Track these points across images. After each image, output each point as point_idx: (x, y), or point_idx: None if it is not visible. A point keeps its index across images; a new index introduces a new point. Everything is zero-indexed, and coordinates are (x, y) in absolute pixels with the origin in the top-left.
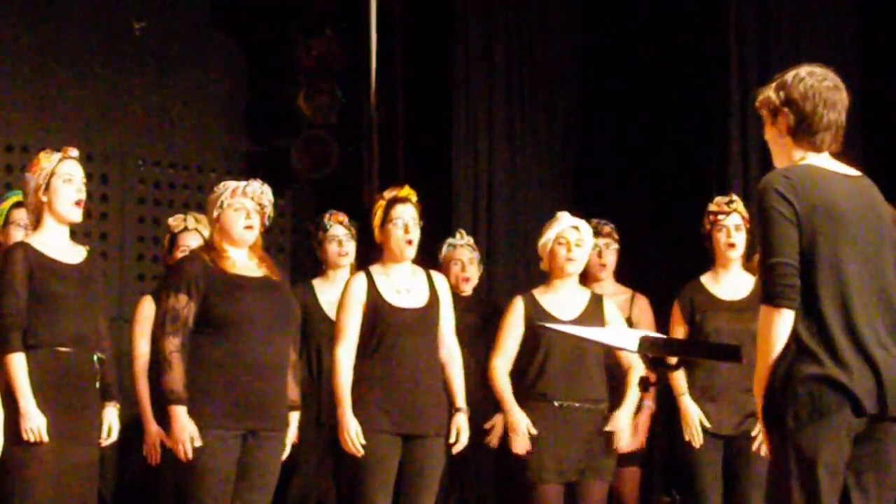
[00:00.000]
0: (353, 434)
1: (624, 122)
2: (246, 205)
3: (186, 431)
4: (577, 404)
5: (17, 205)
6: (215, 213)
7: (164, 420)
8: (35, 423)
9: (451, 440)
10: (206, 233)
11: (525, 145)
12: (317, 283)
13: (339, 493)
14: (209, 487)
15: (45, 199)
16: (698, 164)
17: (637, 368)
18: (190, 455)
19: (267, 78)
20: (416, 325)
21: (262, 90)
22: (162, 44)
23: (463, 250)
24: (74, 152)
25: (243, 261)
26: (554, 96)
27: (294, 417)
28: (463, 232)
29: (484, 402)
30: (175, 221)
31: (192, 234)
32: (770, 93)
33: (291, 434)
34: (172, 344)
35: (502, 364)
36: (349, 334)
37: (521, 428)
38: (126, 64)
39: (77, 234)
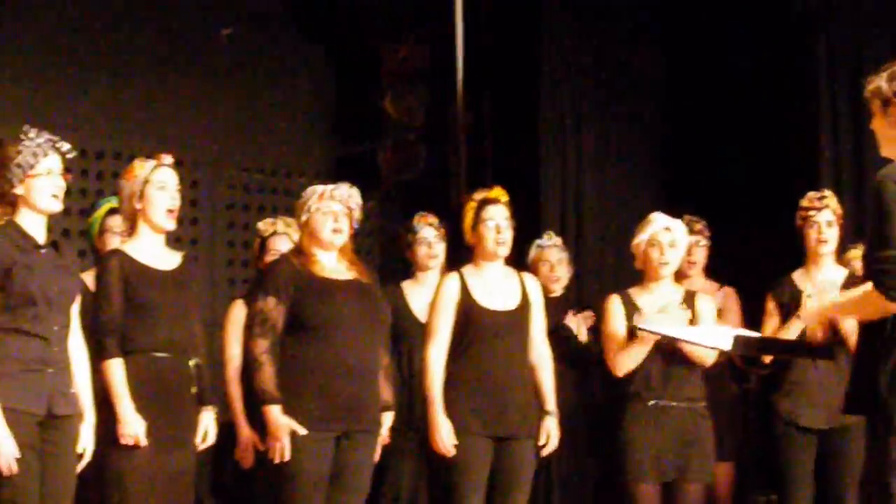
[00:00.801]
0: (443, 434)
1: (714, 117)
2: (334, 208)
3: (283, 430)
4: (672, 403)
5: (112, 211)
6: (304, 217)
7: (257, 424)
8: (133, 429)
9: (541, 443)
10: (296, 237)
11: (613, 143)
12: (406, 286)
13: (432, 495)
14: (303, 490)
15: (139, 206)
16: (789, 159)
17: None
18: (287, 455)
19: (354, 82)
20: (507, 328)
21: (349, 94)
22: (249, 50)
23: (551, 251)
24: (168, 159)
25: (332, 264)
26: (641, 94)
27: (387, 417)
28: (551, 233)
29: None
30: (264, 226)
31: (281, 237)
32: (881, 83)
33: (383, 433)
34: (262, 346)
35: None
36: (441, 335)
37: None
38: (215, 71)
39: (168, 239)
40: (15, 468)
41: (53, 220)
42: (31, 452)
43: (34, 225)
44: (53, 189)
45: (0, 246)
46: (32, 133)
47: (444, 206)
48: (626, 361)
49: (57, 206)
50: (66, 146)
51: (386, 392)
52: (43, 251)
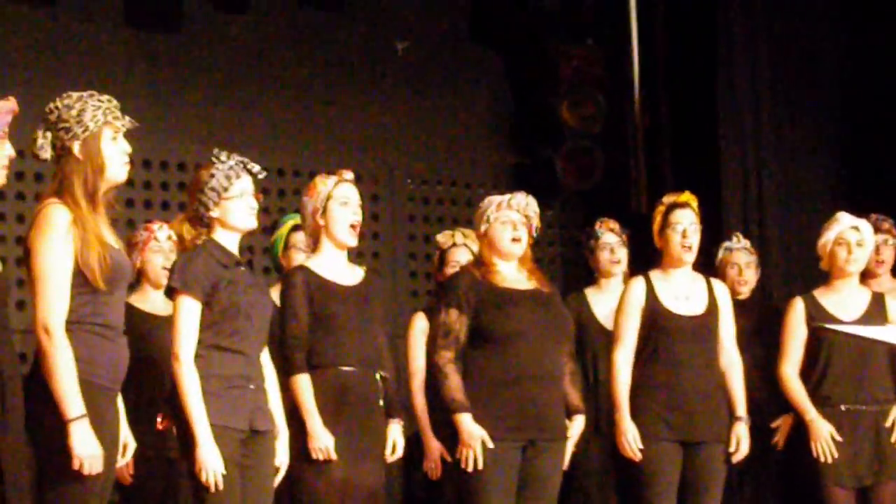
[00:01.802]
0: (630, 438)
1: None
2: (512, 217)
3: (475, 438)
4: (863, 407)
5: (295, 228)
6: (482, 228)
7: (443, 434)
8: (323, 443)
9: (731, 448)
10: (475, 248)
11: (794, 144)
12: (589, 293)
13: (622, 502)
14: (491, 500)
15: (322, 222)
16: None
17: None
18: (480, 463)
19: (529, 90)
20: (694, 332)
21: (524, 103)
22: (425, 62)
23: (739, 254)
24: (350, 175)
25: (513, 274)
26: (822, 91)
27: (578, 421)
28: (739, 235)
29: (767, 403)
30: (443, 238)
31: (460, 249)
32: None
33: (574, 434)
34: (446, 357)
35: (791, 370)
36: (627, 339)
37: (824, 435)
38: (391, 84)
39: (350, 253)
40: (221, 484)
41: (240, 239)
42: (234, 468)
43: (230, 243)
44: (248, 209)
45: (205, 263)
46: (223, 156)
47: (624, 212)
48: (791, 384)
49: (253, 224)
50: (256, 167)
51: (574, 397)
52: (242, 268)
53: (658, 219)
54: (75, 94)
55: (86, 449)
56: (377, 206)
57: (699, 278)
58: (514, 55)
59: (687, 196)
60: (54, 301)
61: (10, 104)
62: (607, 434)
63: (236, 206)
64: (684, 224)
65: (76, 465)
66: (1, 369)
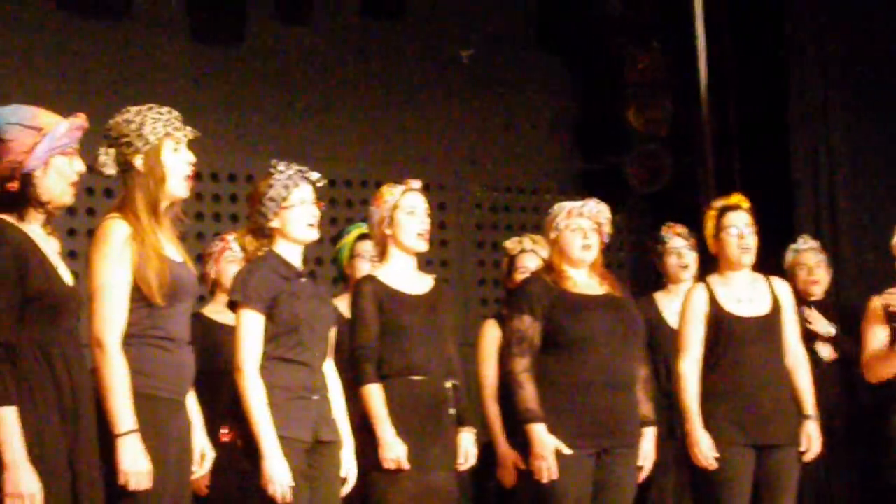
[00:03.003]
0: (704, 448)
1: None
2: (583, 225)
3: (548, 448)
4: None
5: (361, 237)
6: (553, 235)
7: (516, 442)
8: (395, 453)
9: (802, 448)
10: (544, 253)
11: (865, 143)
12: (659, 297)
13: None
14: None
15: (389, 231)
16: None
17: None
18: (555, 473)
19: (595, 95)
20: (759, 334)
21: (591, 107)
22: (490, 69)
23: (808, 254)
24: (417, 184)
25: (584, 280)
26: (893, 91)
27: (648, 434)
28: (806, 236)
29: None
30: (512, 244)
31: (529, 255)
32: None
33: (647, 450)
34: (521, 365)
35: None
36: (692, 347)
37: None
38: (456, 92)
39: (419, 261)
40: (289, 497)
41: (306, 250)
42: (302, 480)
43: (292, 254)
44: (308, 218)
45: (266, 275)
46: (282, 166)
47: (693, 216)
48: (879, 369)
49: (314, 235)
50: (315, 175)
51: (645, 407)
52: (303, 279)
53: (710, 224)
54: (134, 109)
55: (133, 465)
56: (445, 214)
57: (760, 279)
58: (579, 60)
59: (738, 198)
60: (109, 316)
61: (80, 120)
62: (681, 439)
63: (295, 215)
64: (739, 226)
65: (122, 481)
66: (73, 383)
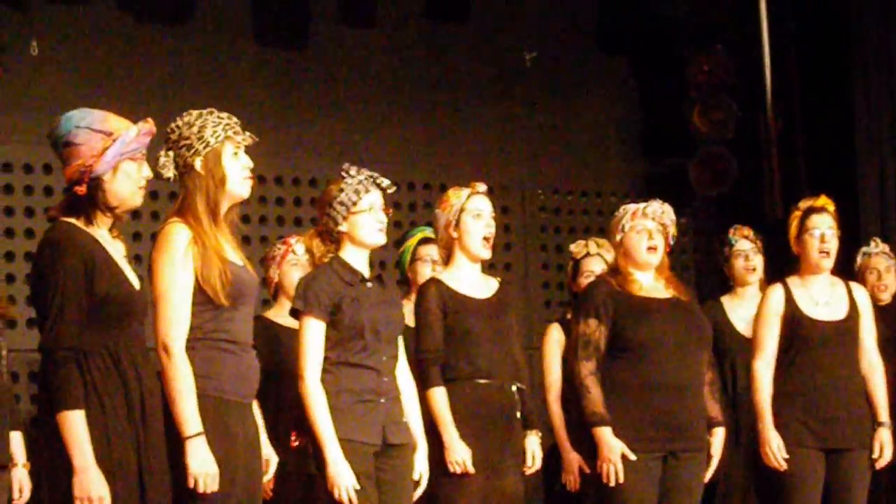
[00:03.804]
0: (775, 448)
1: None
2: (647, 226)
3: (615, 452)
4: None
5: (423, 241)
6: (618, 237)
7: (581, 446)
8: (460, 456)
9: (875, 455)
10: (608, 257)
11: None
12: (726, 301)
13: None
14: None
15: (455, 235)
16: None
17: None
18: (621, 477)
19: (660, 97)
20: (834, 338)
21: (655, 109)
22: (553, 71)
23: (878, 258)
24: (482, 187)
25: (650, 283)
26: None
27: (718, 434)
28: (878, 240)
29: None
30: (577, 247)
31: (594, 258)
32: None
33: (716, 448)
34: (587, 368)
35: None
36: (767, 348)
37: None
38: (520, 95)
39: (483, 265)
40: (354, 499)
41: (371, 254)
42: (368, 482)
43: (358, 259)
44: (376, 224)
45: (329, 281)
46: (353, 171)
47: (759, 218)
48: None
49: (381, 240)
50: (385, 182)
51: (713, 409)
52: (369, 284)
53: (794, 224)
54: (195, 112)
55: (201, 467)
56: (508, 217)
57: (839, 283)
58: (642, 62)
59: (824, 200)
60: (173, 319)
61: (149, 126)
62: (747, 445)
63: (364, 220)
64: (822, 229)
65: (191, 483)
66: (141, 387)
